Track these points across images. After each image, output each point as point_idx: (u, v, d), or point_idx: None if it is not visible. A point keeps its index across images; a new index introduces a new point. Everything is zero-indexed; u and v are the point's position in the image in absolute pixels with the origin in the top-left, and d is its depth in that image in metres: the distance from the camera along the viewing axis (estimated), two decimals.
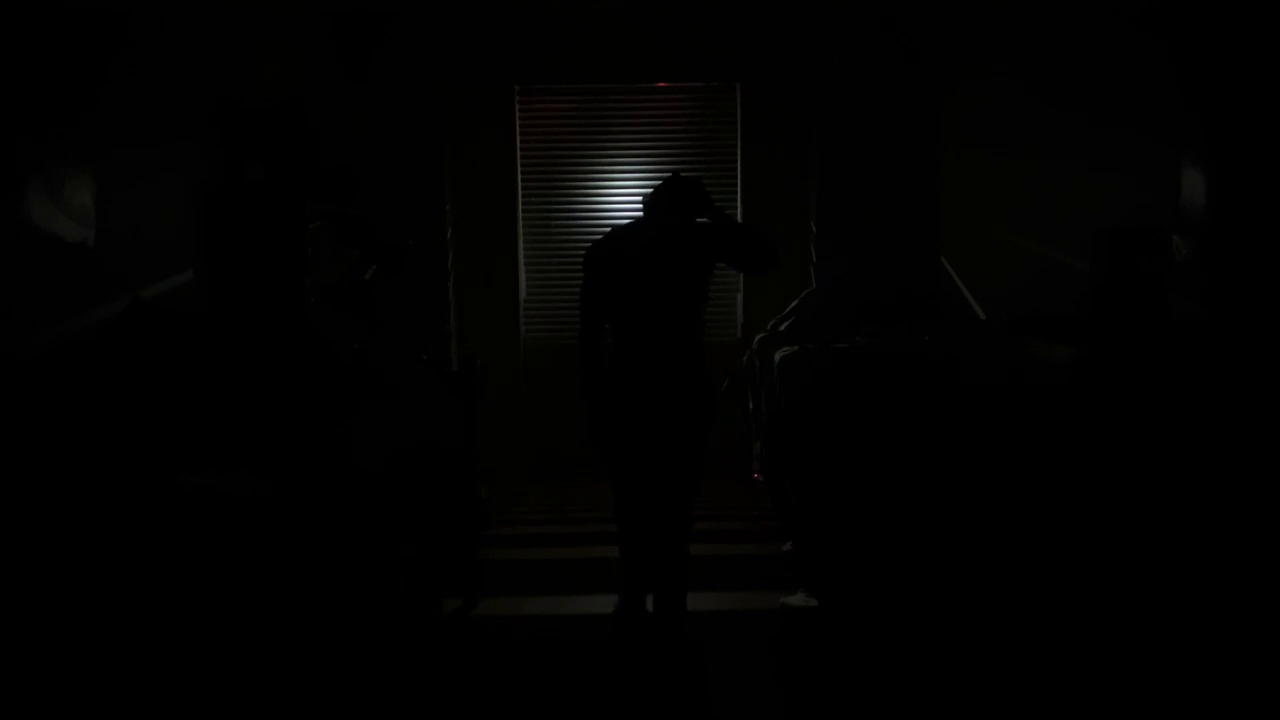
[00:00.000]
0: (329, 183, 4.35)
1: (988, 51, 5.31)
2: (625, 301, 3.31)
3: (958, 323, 5.13)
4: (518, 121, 6.65)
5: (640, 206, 3.52)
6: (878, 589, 3.13)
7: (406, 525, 3.65)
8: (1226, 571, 2.39)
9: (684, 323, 3.29)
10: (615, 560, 4.23)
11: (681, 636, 3.45)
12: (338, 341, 3.72)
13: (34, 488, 2.47)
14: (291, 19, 5.26)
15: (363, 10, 5.98)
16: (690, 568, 3.60)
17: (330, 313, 3.93)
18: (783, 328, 5.05)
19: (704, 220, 3.33)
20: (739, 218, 6.65)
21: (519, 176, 6.67)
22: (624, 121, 6.68)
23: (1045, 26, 4.41)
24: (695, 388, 3.28)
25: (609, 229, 3.57)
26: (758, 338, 5.15)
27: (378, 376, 3.70)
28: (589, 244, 3.49)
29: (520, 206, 6.68)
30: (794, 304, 5.21)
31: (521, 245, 6.72)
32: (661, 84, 6.65)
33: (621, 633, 3.51)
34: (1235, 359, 2.75)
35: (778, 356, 4.13)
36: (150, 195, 3.54)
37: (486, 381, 4.53)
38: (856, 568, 3.24)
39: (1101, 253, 2.98)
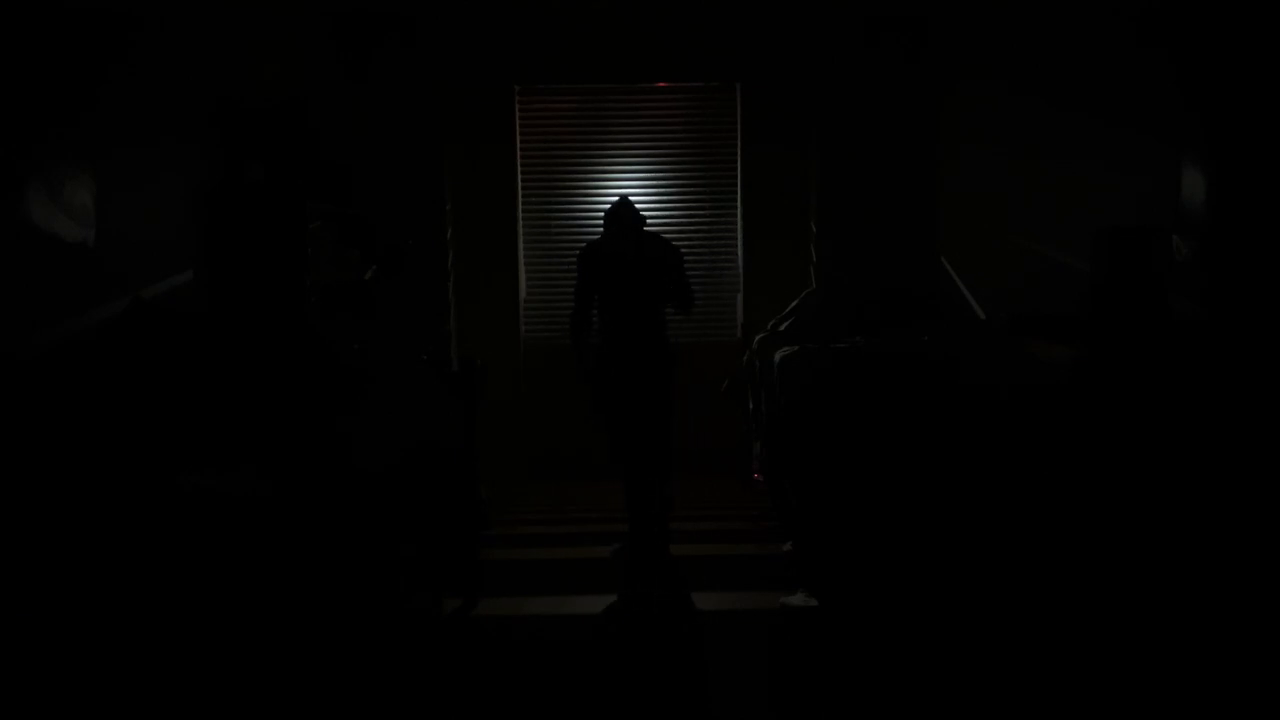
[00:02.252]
0: (329, 183, 4.35)
1: (988, 51, 5.31)
2: (612, 293, 4.50)
3: (958, 323, 5.12)
4: (518, 121, 6.65)
5: (605, 217, 4.59)
6: (878, 589, 3.13)
7: (406, 525, 3.65)
8: (1227, 570, 2.39)
9: (654, 310, 4.55)
10: (615, 560, 4.24)
11: (666, 539, 4.51)
12: (338, 341, 3.72)
13: (35, 487, 2.47)
14: (291, 19, 5.26)
15: (363, 10, 5.98)
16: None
17: (330, 313, 3.93)
18: (783, 328, 5.05)
19: (663, 248, 4.58)
20: (739, 218, 6.68)
21: (519, 176, 6.67)
22: (624, 121, 6.68)
23: (1045, 27, 4.41)
24: (661, 351, 4.58)
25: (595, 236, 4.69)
26: (758, 338, 5.15)
27: (378, 376, 3.70)
28: (584, 246, 4.66)
29: (520, 206, 6.68)
30: (794, 304, 5.22)
31: (521, 245, 6.72)
32: (661, 84, 6.65)
33: (632, 565, 4.37)
34: (1235, 359, 2.75)
35: (778, 356, 4.13)
36: (150, 195, 3.55)
37: (486, 381, 4.53)
38: (856, 568, 3.24)
39: (1101, 253, 2.98)
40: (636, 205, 4.54)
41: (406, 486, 3.58)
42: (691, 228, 6.70)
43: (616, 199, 4.63)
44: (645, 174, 6.67)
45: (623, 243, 4.51)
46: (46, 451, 2.57)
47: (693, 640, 3.50)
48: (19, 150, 2.74)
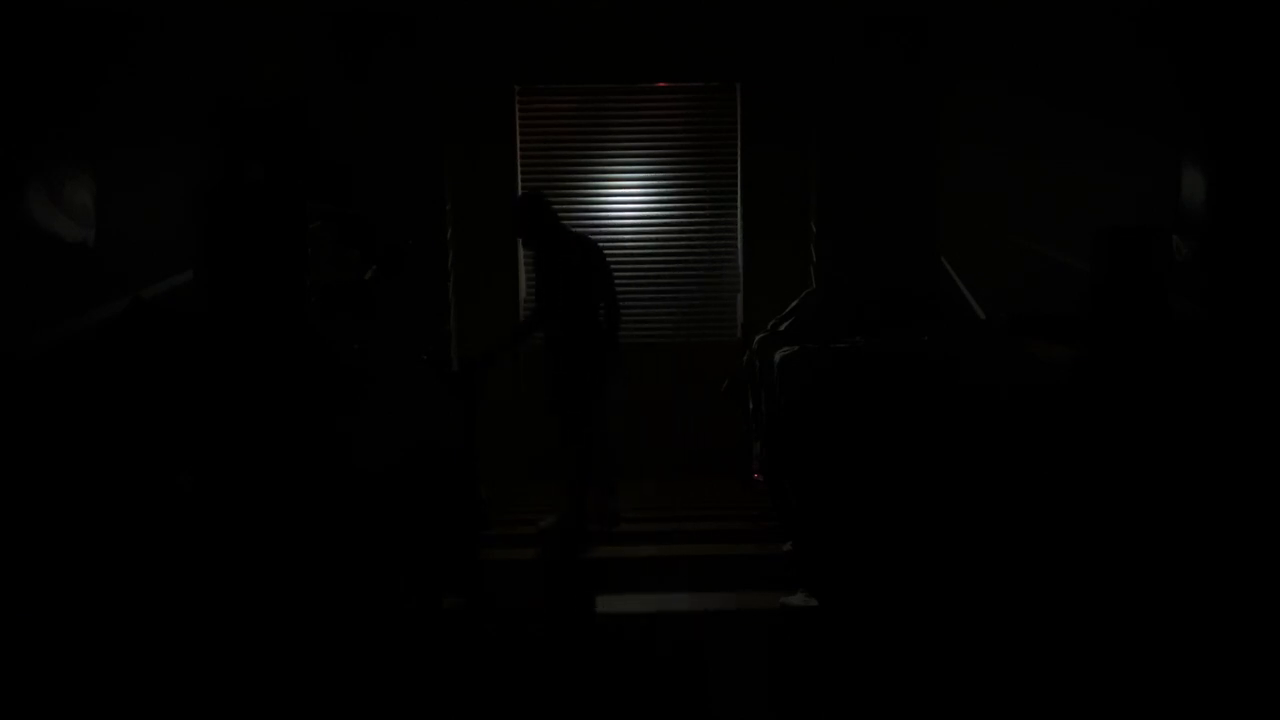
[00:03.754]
0: (329, 183, 4.35)
1: (988, 51, 5.31)
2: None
3: (958, 323, 5.12)
4: (518, 121, 6.64)
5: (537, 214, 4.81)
6: (878, 589, 3.13)
7: (406, 525, 3.65)
8: (1227, 570, 2.39)
9: (576, 313, 4.79)
10: (614, 560, 4.23)
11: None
12: (338, 341, 3.72)
13: (34, 487, 2.47)
14: (291, 19, 5.26)
15: (363, 10, 5.98)
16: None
17: (330, 313, 3.93)
18: (783, 328, 5.05)
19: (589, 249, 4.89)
20: (739, 218, 6.67)
21: (519, 176, 6.67)
22: (624, 121, 6.68)
23: (1045, 27, 4.41)
24: (570, 355, 4.80)
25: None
26: (758, 338, 5.14)
27: (378, 376, 3.70)
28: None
29: None
30: (794, 304, 5.21)
31: (521, 245, 6.71)
32: (661, 84, 6.65)
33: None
34: (1235, 359, 2.75)
35: (778, 356, 4.13)
36: (150, 195, 3.55)
37: (486, 381, 4.54)
38: (856, 568, 3.24)
39: (1101, 253, 2.98)
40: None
41: (406, 486, 3.58)
42: (691, 228, 6.70)
43: (522, 195, 4.97)
44: (645, 174, 6.67)
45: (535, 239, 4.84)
46: (47, 451, 2.57)
47: (693, 640, 3.50)
48: (19, 150, 2.74)
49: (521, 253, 6.72)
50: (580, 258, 4.79)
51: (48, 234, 2.86)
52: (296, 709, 2.69)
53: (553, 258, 4.81)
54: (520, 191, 6.58)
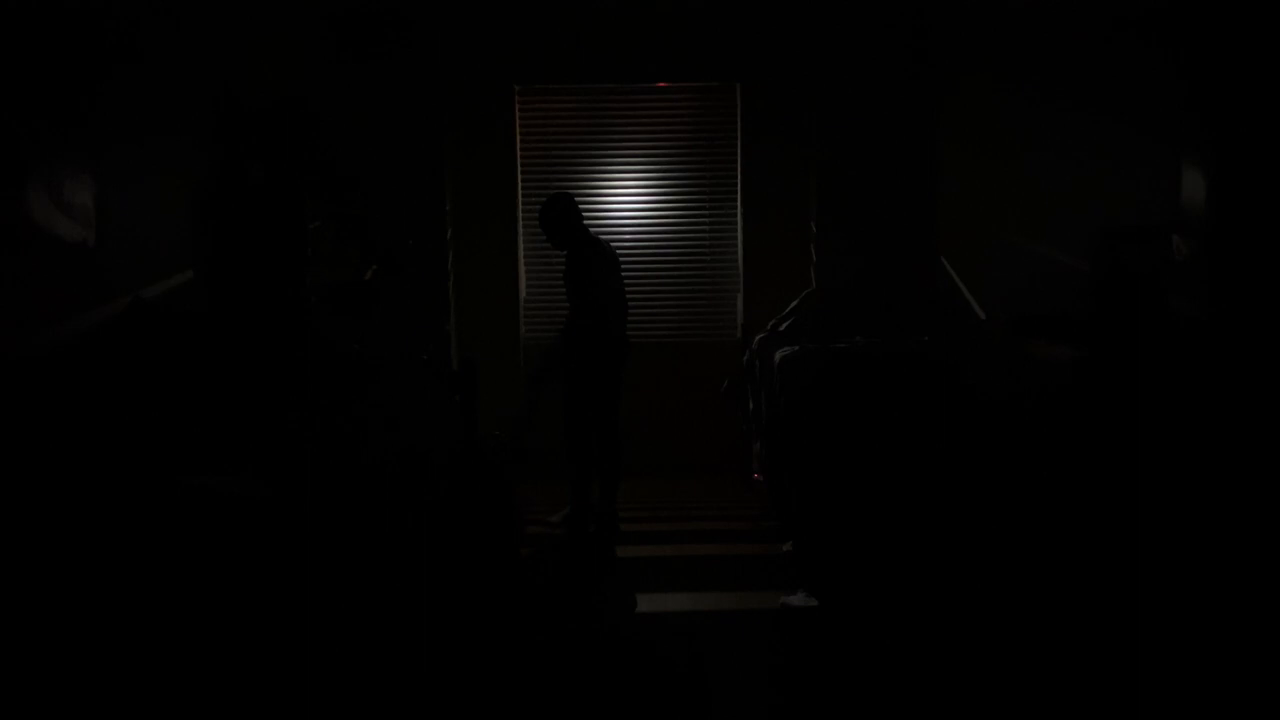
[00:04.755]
0: (329, 182, 4.36)
1: (989, 51, 5.31)
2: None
3: (958, 323, 5.12)
4: (518, 121, 6.64)
5: (568, 216, 4.93)
6: (878, 588, 3.14)
7: (406, 525, 3.64)
8: (1227, 570, 2.39)
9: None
10: (615, 560, 4.23)
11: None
12: (338, 341, 3.72)
13: (34, 488, 2.47)
14: (292, 18, 5.26)
15: (363, 10, 5.98)
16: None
17: (330, 313, 3.93)
18: (783, 328, 5.06)
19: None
20: (739, 218, 6.67)
21: (519, 176, 6.67)
22: (624, 121, 6.67)
23: (1045, 27, 4.42)
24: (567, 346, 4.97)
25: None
26: (758, 338, 5.15)
27: (378, 376, 3.70)
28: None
29: (520, 206, 6.68)
30: (794, 304, 5.22)
31: (521, 245, 6.71)
32: (661, 84, 6.65)
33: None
34: (1235, 359, 2.75)
35: (778, 356, 4.14)
36: (150, 195, 3.55)
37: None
38: (856, 567, 3.24)
39: (1101, 253, 2.98)
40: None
41: (407, 487, 3.58)
42: (691, 228, 6.71)
43: (556, 195, 5.03)
44: (645, 174, 6.67)
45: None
46: (47, 452, 2.57)
47: (693, 640, 3.50)
48: (19, 150, 2.74)
49: (522, 253, 6.72)
50: (597, 259, 4.86)
51: (48, 234, 2.86)
52: (297, 709, 2.69)
53: (574, 258, 4.85)
54: (521, 191, 6.60)
